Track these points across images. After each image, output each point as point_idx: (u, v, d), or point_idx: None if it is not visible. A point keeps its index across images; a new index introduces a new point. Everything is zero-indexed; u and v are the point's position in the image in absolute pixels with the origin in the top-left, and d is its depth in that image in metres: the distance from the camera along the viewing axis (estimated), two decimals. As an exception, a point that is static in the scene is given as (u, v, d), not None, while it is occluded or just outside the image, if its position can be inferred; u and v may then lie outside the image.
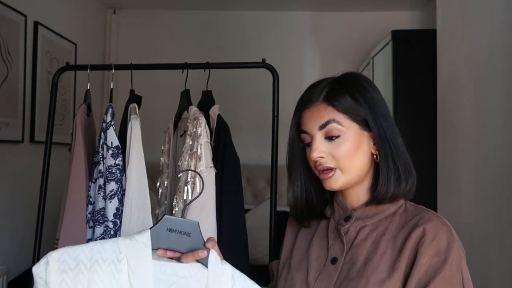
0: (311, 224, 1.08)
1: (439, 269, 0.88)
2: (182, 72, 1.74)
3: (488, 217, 1.94)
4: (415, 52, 2.87)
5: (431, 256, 0.89)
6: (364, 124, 0.98)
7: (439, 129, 2.52)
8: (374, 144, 0.99)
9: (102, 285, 0.84)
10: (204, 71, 1.73)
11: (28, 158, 2.64)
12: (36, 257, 1.66)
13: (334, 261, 0.98)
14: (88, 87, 1.77)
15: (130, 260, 0.86)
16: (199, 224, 0.92)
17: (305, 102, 1.01)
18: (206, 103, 1.73)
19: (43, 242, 1.71)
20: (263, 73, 1.77)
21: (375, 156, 1.00)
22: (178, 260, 0.91)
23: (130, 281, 0.85)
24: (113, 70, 1.74)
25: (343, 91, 0.98)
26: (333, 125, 0.97)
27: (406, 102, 2.86)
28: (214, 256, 0.91)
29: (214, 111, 1.67)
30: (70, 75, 3.11)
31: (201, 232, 0.92)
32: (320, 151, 0.97)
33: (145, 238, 0.87)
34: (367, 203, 1.01)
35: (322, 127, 0.97)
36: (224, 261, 0.92)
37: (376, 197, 0.98)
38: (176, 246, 0.90)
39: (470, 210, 2.10)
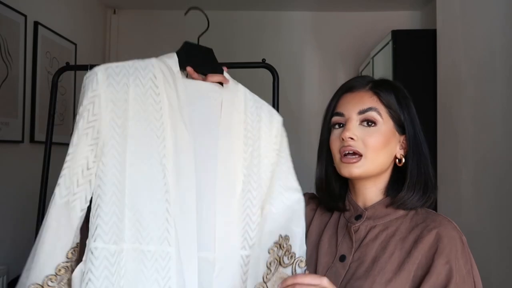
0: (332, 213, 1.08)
1: (451, 276, 0.88)
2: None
3: (488, 217, 1.94)
4: (415, 52, 2.86)
5: (443, 263, 0.90)
6: (399, 125, 1.00)
7: (439, 129, 2.52)
8: (400, 148, 1.01)
9: (144, 97, 0.91)
10: (204, 71, 1.73)
11: (28, 158, 2.64)
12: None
13: (342, 258, 0.98)
14: (88, 87, 1.77)
15: (165, 77, 0.94)
16: (212, 50, 1.07)
17: (349, 86, 1.03)
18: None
19: (43, 242, 1.70)
20: (263, 73, 1.77)
21: (397, 160, 1.01)
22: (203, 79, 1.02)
23: (167, 94, 0.93)
24: (113, 70, 1.74)
25: (390, 88, 1.01)
26: (373, 113, 0.98)
27: (406, 102, 2.85)
28: (229, 78, 1.04)
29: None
30: (70, 75, 3.11)
31: (215, 57, 1.06)
32: (353, 132, 0.97)
33: (174, 59, 0.98)
34: (379, 203, 1.01)
35: (362, 112, 0.98)
36: (236, 81, 1.05)
37: (395, 202, 0.98)
38: (200, 67, 1.02)
39: (470, 210, 2.10)
